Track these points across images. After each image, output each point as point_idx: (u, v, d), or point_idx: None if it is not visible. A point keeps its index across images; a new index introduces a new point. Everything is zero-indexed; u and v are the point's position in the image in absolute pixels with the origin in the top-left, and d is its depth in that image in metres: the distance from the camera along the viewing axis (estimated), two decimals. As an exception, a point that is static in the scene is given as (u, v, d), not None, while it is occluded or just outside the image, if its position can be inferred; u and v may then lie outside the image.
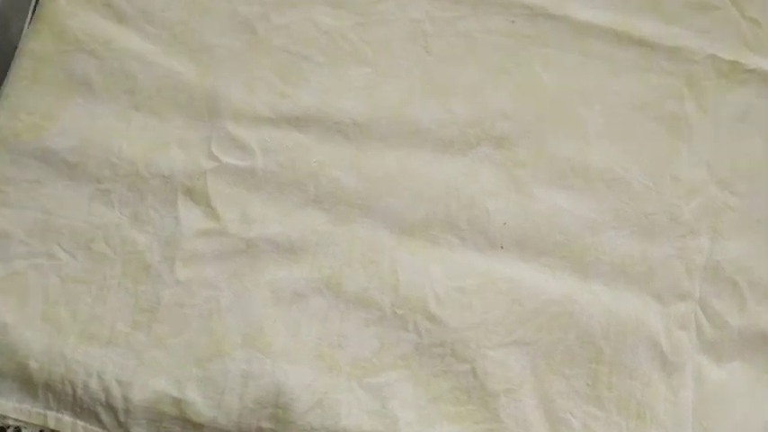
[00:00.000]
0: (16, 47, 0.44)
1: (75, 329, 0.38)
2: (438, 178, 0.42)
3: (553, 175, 0.43)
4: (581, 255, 0.41)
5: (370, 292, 0.40)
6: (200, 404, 0.37)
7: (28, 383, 0.37)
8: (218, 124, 0.43)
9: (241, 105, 0.43)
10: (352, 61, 0.45)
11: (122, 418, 0.36)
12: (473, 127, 0.44)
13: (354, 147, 0.43)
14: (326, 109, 0.43)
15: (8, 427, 0.37)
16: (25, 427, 0.37)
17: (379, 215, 0.41)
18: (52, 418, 0.37)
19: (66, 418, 0.37)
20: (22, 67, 0.43)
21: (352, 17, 0.46)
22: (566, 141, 0.44)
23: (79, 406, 0.37)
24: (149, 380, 0.37)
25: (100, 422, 0.37)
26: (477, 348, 0.39)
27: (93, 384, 0.37)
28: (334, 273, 0.40)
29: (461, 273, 0.40)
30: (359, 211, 0.41)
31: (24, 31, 0.45)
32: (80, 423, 0.37)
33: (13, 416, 0.37)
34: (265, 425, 0.37)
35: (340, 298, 0.39)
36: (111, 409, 0.36)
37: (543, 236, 0.41)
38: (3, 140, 0.41)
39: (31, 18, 0.46)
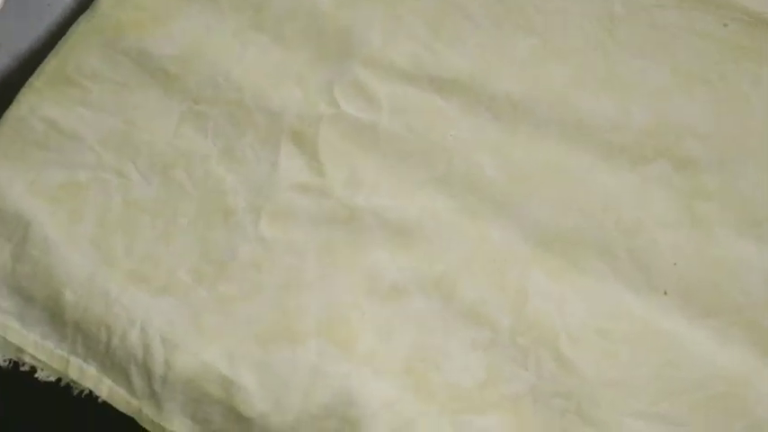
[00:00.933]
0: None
1: (127, 266, 0.31)
2: (597, 188, 0.34)
3: (744, 218, 0.34)
4: (761, 328, 0.32)
5: (488, 307, 0.31)
6: (254, 392, 0.29)
7: (58, 317, 0.30)
8: (347, 66, 0.35)
9: (378, 50, 0.36)
10: (520, 29, 0.37)
11: (157, 387, 0.29)
12: (653, 138, 0.35)
13: (503, 129, 0.35)
14: (479, 77, 0.36)
15: (23, 363, 0.30)
16: (42, 369, 0.30)
17: (517, 217, 0.33)
18: (75, 367, 0.30)
19: (92, 371, 0.30)
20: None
21: (531, -21, 0.38)
22: (766, 180, 0.34)
23: (110, 359, 0.30)
24: (200, 346, 0.29)
25: (129, 385, 0.30)
26: (610, 411, 0.30)
27: (133, 336, 0.30)
28: (448, 272, 0.32)
29: (607, 312, 0.31)
30: (493, 207, 0.33)
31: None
32: (106, 380, 0.30)
33: (31, 351, 0.30)
34: (326, 438, 0.29)
35: (449, 305, 0.31)
36: (146, 371, 0.29)
37: (719, 291, 0.32)
38: (100, 31, 0.35)
39: None
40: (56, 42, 0.38)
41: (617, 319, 0.31)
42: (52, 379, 0.30)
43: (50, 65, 0.35)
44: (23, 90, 0.34)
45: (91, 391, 0.30)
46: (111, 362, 0.30)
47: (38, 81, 0.35)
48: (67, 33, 0.36)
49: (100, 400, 0.30)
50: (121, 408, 0.30)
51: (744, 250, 0.33)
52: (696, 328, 0.32)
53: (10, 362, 0.30)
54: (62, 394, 0.30)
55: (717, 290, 0.32)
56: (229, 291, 0.31)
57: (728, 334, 0.32)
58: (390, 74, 0.36)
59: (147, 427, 0.29)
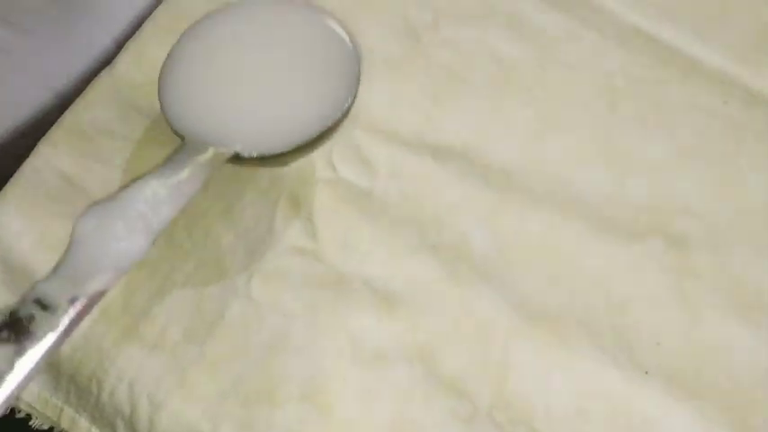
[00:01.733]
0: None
1: (123, 321, 0.32)
2: (587, 263, 0.34)
3: (734, 300, 0.34)
4: (746, 412, 0.32)
5: (469, 380, 0.32)
6: (234, 454, 0.30)
7: (54, 368, 0.32)
8: (347, 132, 0.37)
9: (380, 117, 0.37)
10: (520, 99, 0.38)
11: (141, 443, 0.31)
12: (646, 213, 0.35)
13: (496, 198, 0.36)
14: (474, 146, 0.37)
15: (19, 410, 0.32)
16: (36, 418, 0.32)
17: (504, 289, 0.34)
18: (67, 417, 0.32)
19: (83, 422, 0.32)
20: (161, 15, 0.40)
21: (533, 50, 0.39)
22: (758, 264, 0.34)
23: (99, 412, 0.31)
24: (184, 407, 0.31)
25: (116, 438, 0.31)
26: (583, 493, 0.30)
27: (122, 393, 0.31)
28: (431, 342, 0.33)
29: (588, 390, 0.32)
30: (481, 276, 0.34)
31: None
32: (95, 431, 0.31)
33: (28, 399, 0.32)
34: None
35: (431, 375, 0.32)
36: (131, 428, 0.31)
37: (703, 374, 0.32)
38: (117, 88, 0.37)
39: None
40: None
41: (597, 398, 0.32)
42: (45, 427, 0.32)
43: (67, 119, 0.37)
44: (41, 142, 0.36)
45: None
46: (101, 414, 0.31)
47: (55, 134, 0.37)
48: (86, 89, 0.38)
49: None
50: (108, 459, 0.31)
51: (732, 334, 0.33)
52: (677, 409, 0.32)
53: (7, 408, 0.31)
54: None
55: (700, 373, 0.32)
56: (217, 350, 0.32)
57: (710, 417, 0.32)
58: (390, 141, 0.37)
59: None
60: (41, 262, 0.33)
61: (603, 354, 0.33)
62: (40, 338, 0.25)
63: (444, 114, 0.38)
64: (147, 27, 0.39)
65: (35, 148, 0.36)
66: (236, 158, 0.31)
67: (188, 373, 0.31)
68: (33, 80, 0.40)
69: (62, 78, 0.40)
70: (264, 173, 0.36)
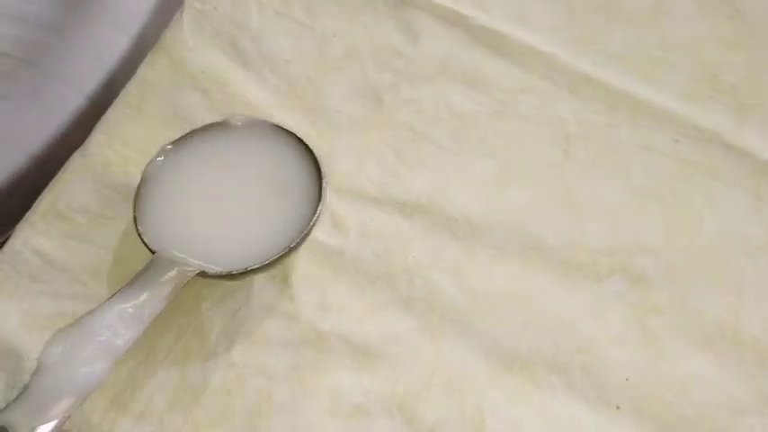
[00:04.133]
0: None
1: (110, 392, 0.35)
2: (553, 308, 0.37)
3: (695, 333, 0.37)
4: (714, 440, 0.35)
5: (448, 428, 0.35)
6: None
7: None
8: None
9: (347, 177, 0.41)
10: (479, 151, 0.42)
11: None
12: (607, 256, 0.39)
13: (461, 249, 0.39)
14: (439, 200, 0.40)
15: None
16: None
17: (476, 338, 0.37)
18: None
19: (75, 495, 0.34)
20: (130, 93, 0.43)
21: (490, 104, 0.43)
22: (716, 296, 0.38)
23: (91, 484, 0.34)
24: (172, 474, 0.33)
25: None
26: None
27: (111, 464, 0.33)
28: (409, 394, 0.35)
29: (562, 429, 0.35)
30: (453, 327, 0.37)
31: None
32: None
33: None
34: None
35: (411, 426, 0.35)
36: (122, 498, 0.33)
37: (670, 405, 0.35)
38: (90, 168, 0.40)
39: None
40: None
41: (571, 437, 0.35)
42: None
43: (44, 200, 0.40)
44: (20, 225, 0.39)
45: None
46: (92, 487, 0.34)
47: (33, 216, 0.39)
48: (61, 170, 0.41)
49: None
50: None
51: (695, 366, 0.36)
52: (648, 443, 0.35)
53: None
54: None
55: (668, 404, 0.35)
56: (203, 417, 0.35)
57: (680, 449, 0.35)
58: (357, 200, 0.40)
59: None
60: (28, 341, 0.35)
61: (575, 392, 0.36)
62: None
63: (409, 171, 0.41)
64: (117, 106, 0.42)
65: (14, 231, 0.39)
66: (203, 275, 0.34)
67: (175, 440, 0.34)
68: (7, 143, 0.43)
69: (37, 141, 0.43)
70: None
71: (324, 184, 0.36)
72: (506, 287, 0.38)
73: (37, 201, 0.40)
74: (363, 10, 0.46)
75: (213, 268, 0.34)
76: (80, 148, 0.41)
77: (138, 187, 0.36)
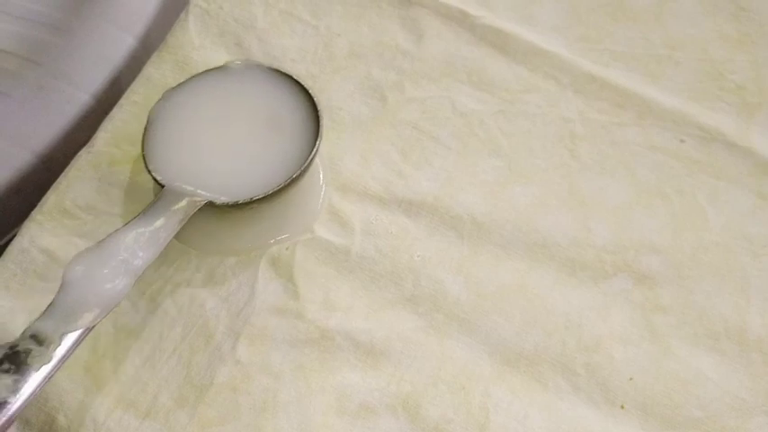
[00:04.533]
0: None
1: (115, 390, 0.35)
2: (559, 306, 0.38)
3: (700, 332, 0.37)
4: (720, 439, 0.35)
5: (453, 425, 0.35)
6: None
7: (50, 440, 0.35)
8: (324, 193, 0.40)
9: (352, 177, 0.41)
10: (485, 151, 0.42)
11: None
12: (612, 254, 0.39)
13: (467, 248, 0.39)
14: (444, 198, 0.40)
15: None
16: (34, 491, 0.34)
17: (482, 336, 0.37)
18: (65, 488, 0.34)
19: (81, 492, 0.34)
20: (135, 92, 0.43)
21: (495, 103, 0.43)
22: (721, 294, 0.38)
23: (96, 482, 0.34)
24: (179, 471, 0.33)
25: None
26: None
27: (117, 461, 0.34)
28: (414, 391, 0.36)
29: (567, 428, 0.35)
30: (458, 325, 0.37)
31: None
32: (93, 501, 0.34)
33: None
34: None
35: (416, 423, 0.35)
36: (128, 495, 0.33)
37: (675, 405, 0.35)
38: (96, 166, 0.41)
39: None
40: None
41: (575, 435, 0.35)
42: (43, 501, 0.35)
43: (51, 198, 0.40)
44: (26, 223, 0.40)
45: None
46: (98, 485, 0.34)
47: (39, 214, 0.40)
48: (67, 168, 0.41)
49: None
50: None
51: (701, 364, 0.36)
52: (654, 442, 0.35)
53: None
54: None
55: (673, 403, 0.36)
56: (208, 414, 0.35)
57: (686, 447, 0.35)
58: (363, 199, 0.40)
59: None
60: (33, 339, 0.36)
61: (579, 391, 0.36)
62: (36, 369, 0.30)
63: (414, 170, 0.41)
64: (122, 104, 0.43)
65: (21, 228, 0.39)
66: (211, 205, 0.36)
67: (181, 438, 0.34)
68: (14, 142, 0.44)
69: (42, 139, 0.44)
70: (247, 240, 0.39)
71: (320, 119, 0.38)
72: (512, 286, 0.38)
73: (43, 199, 0.40)
74: (368, 9, 0.46)
75: (221, 198, 0.36)
76: (86, 147, 0.41)
77: (145, 129, 0.38)
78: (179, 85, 0.40)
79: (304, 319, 0.37)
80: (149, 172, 0.37)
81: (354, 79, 0.44)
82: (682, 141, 0.42)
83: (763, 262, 0.38)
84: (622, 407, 0.35)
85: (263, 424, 0.35)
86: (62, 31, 0.46)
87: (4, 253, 0.39)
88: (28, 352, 0.30)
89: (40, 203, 0.40)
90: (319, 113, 0.39)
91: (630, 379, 0.36)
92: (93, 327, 0.32)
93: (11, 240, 0.39)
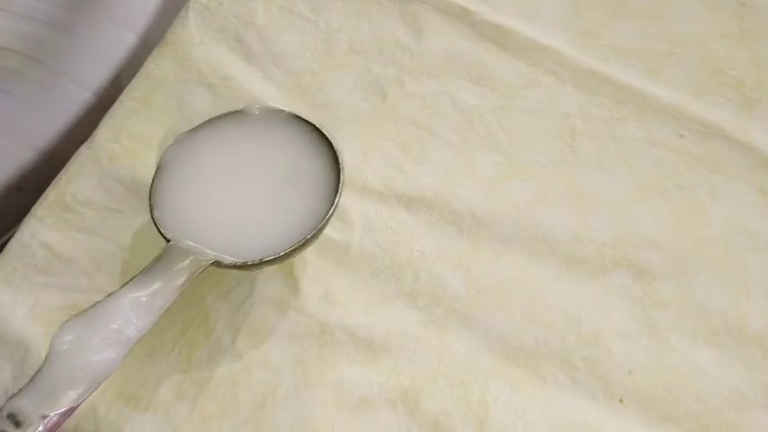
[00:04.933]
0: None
1: (117, 384, 0.35)
2: (559, 301, 0.38)
3: (700, 326, 0.37)
4: (720, 433, 0.35)
5: (452, 419, 0.35)
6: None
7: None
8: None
9: (352, 172, 0.41)
10: (484, 146, 0.42)
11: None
12: (612, 249, 0.39)
13: (467, 243, 0.39)
14: (444, 194, 0.40)
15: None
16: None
17: (481, 330, 0.37)
18: (66, 481, 0.35)
19: (81, 485, 0.34)
20: (135, 88, 0.44)
21: (495, 98, 0.43)
22: (721, 289, 0.38)
23: (97, 474, 0.34)
24: (178, 465, 0.34)
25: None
26: None
27: (118, 454, 0.34)
28: (414, 385, 0.36)
29: (566, 422, 0.35)
30: (458, 319, 0.37)
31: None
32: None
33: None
34: None
35: (415, 417, 0.35)
36: (128, 487, 0.34)
37: (675, 399, 0.36)
38: (96, 161, 0.41)
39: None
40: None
41: (575, 428, 0.35)
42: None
43: (51, 194, 0.40)
44: (27, 218, 0.40)
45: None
46: (99, 477, 0.34)
47: (40, 209, 0.40)
48: (68, 164, 0.41)
49: None
50: None
51: (700, 358, 0.37)
52: (653, 435, 0.35)
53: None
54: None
55: (672, 397, 0.36)
56: (208, 408, 0.35)
57: (685, 441, 0.35)
58: (363, 194, 0.40)
59: None
60: (35, 333, 0.36)
61: (578, 385, 0.36)
62: None
63: (414, 165, 0.41)
64: (123, 100, 0.43)
65: (21, 224, 0.40)
66: (217, 264, 0.34)
67: (181, 431, 0.34)
68: (15, 139, 0.44)
69: (44, 137, 0.44)
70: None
71: (341, 177, 0.36)
72: (511, 280, 0.38)
73: (44, 194, 0.40)
74: (368, 5, 0.46)
75: (228, 258, 0.34)
76: (86, 142, 0.42)
77: (155, 174, 0.36)
78: (194, 129, 0.38)
79: (304, 314, 0.37)
80: (154, 222, 0.35)
81: (354, 75, 0.44)
82: (681, 136, 0.42)
83: (763, 257, 0.39)
84: (621, 401, 0.36)
85: (262, 418, 0.35)
86: (64, 28, 0.47)
87: (6, 248, 0.39)
88: None
89: (40, 199, 0.40)
90: (340, 166, 0.36)
91: (630, 373, 0.36)
92: (78, 405, 0.29)
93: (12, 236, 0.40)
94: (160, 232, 0.35)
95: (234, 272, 0.38)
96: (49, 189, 0.41)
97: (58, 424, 0.28)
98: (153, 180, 0.36)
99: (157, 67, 0.44)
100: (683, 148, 0.42)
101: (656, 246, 0.39)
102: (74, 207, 0.40)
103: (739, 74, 0.44)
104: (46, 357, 0.29)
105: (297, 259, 0.39)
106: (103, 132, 0.42)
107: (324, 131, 0.37)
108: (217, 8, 0.46)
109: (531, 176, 0.41)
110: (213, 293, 0.38)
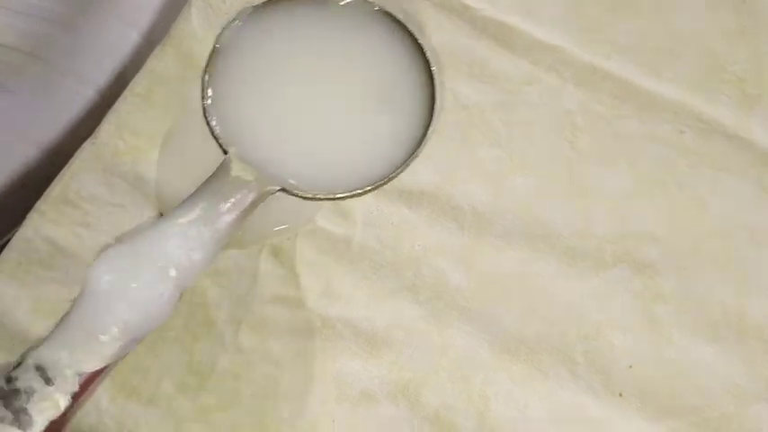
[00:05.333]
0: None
1: (118, 378, 0.36)
2: (560, 295, 0.38)
3: (700, 320, 0.37)
4: (718, 427, 0.35)
5: (453, 413, 0.35)
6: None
7: (53, 426, 0.35)
8: (324, 183, 0.41)
9: (353, 168, 0.41)
10: (485, 141, 0.42)
11: (140, 494, 0.34)
12: (613, 243, 0.39)
13: (468, 238, 0.40)
14: (445, 188, 0.41)
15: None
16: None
17: (483, 324, 0.37)
18: (68, 473, 0.35)
19: (83, 477, 0.35)
20: (139, 84, 0.44)
21: (496, 94, 0.43)
22: (721, 284, 0.38)
23: (100, 467, 0.35)
24: (181, 457, 0.34)
25: (116, 492, 0.34)
26: None
27: (120, 446, 0.34)
28: (415, 379, 0.36)
29: (566, 416, 0.35)
30: (459, 313, 0.38)
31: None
32: (96, 485, 0.35)
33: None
34: None
35: (416, 411, 0.35)
36: (131, 479, 0.34)
37: (675, 393, 0.36)
38: (99, 157, 0.41)
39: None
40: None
41: (575, 423, 0.35)
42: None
43: (55, 189, 0.41)
44: (30, 213, 0.40)
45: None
46: (101, 469, 0.35)
47: (43, 204, 0.40)
48: (71, 159, 0.42)
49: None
50: None
51: (700, 352, 0.37)
52: (652, 430, 0.35)
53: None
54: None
55: (672, 391, 0.36)
56: (210, 401, 0.35)
57: (685, 435, 0.35)
58: (364, 189, 0.41)
59: None
60: (38, 327, 0.36)
61: (579, 379, 0.36)
62: (40, 424, 0.21)
63: (415, 160, 0.42)
64: (125, 96, 0.43)
65: (26, 218, 0.40)
66: (283, 191, 0.29)
67: (183, 424, 0.35)
68: (19, 137, 0.44)
69: (47, 134, 0.44)
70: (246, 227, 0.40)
71: (435, 90, 0.30)
72: (512, 275, 0.39)
73: (47, 190, 0.41)
74: (370, 2, 0.47)
75: (298, 188, 0.28)
76: (90, 138, 0.42)
77: (209, 62, 0.30)
78: (264, 5, 0.31)
79: (305, 308, 0.38)
80: (210, 127, 0.28)
81: (356, 71, 0.44)
82: (682, 133, 0.42)
83: (763, 251, 0.39)
84: (621, 395, 0.36)
85: (264, 411, 0.35)
86: (67, 26, 0.47)
87: (9, 243, 0.40)
88: (30, 393, 0.21)
89: (44, 194, 0.41)
90: (435, 82, 0.30)
91: (630, 367, 0.36)
92: (122, 358, 0.24)
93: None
94: (218, 141, 0.28)
95: (234, 265, 0.38)
96: (52, 185, 0.41)
97: (89, 385, 0.23)
98: (207, 69, 0.30)
99: (160, 63, 0.44)
100: (684, 144, 0.42)
101: (656, 240, 0.39)
102: (77, 202, 0.40)
103: (740, 70, 0.44)
104: (78, 299, 0.24)
105: (298, 255, 0.39)
106: (107, 128, 0.42)
107: (419, 41, 0.31)
108: (219, 4, 0.46)
109: (531, 172, 0.41)
110: (215, 288, 0.38)
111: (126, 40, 0.48)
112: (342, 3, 0.31)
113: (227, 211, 0.26)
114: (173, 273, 0.25)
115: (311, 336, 0.37)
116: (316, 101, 0.29)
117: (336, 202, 0.40)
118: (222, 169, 0.27)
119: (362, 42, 0.31)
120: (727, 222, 0.40)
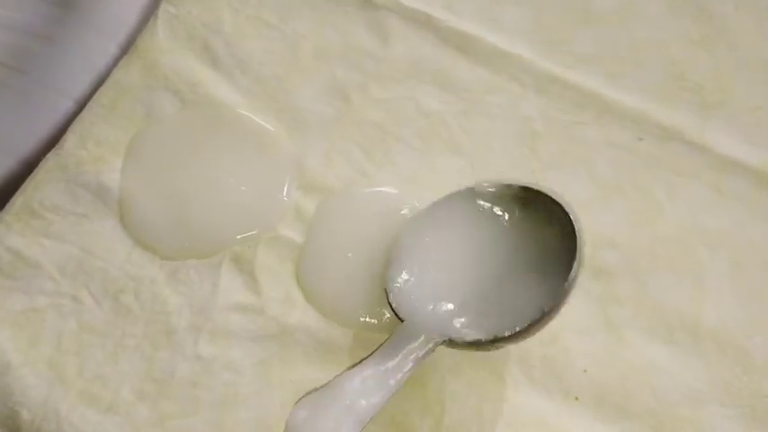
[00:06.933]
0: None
1: (78, 386, 0.36)
2: (516, 300, 0.39)
3: (655, 324, 0.38)
4: (673, 429, 0.36)
5: (410, 418, 0.36)
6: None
7: (13, 434, 0.36)
8: (286, 191, 0.41)
9: (316, 174, 0.42)
10: (447, 150, 0.43)
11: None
12: (570, 249, 0.40)
13: (429, 245, 0.40)
14: (406, 197, 0.41)
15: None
16: (-3, 484, 0.35)
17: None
18: (27, 481, 0.35)
19: (42, 485, 0.35)
20: (103, 95, 0.45)
21: (458, 103, 0.44)
22: (677, 288, 0.39)
23: (57, 474, 0.35)
24: (138, 465, 0.35)
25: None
26: None
27: (78, 454, 0.35)
28: (372, 385, 0.37)
29: (521, 420, 0.36)
30: (417, 319, 0.38)
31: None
32: (54, 494, 0.35)
33: (-11, 469, 0.36)
34: None
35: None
36: (88, 486, 0.34)
37: (630, 395, 0.37)
38: (63, 167, 0.42)
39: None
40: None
41: (530, 427, 0.36)
42: (6, 494, 0.36)
43: (19, 199, 0.41)
44: (-6, 224, 0.41)
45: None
46: (59, 477, 0.35)
47: (7, 215, 0.41)
48: (35, 170, 0.42)
49: None
50: None
51: (656, 356, 0.38)
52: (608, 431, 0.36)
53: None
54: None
55: (628, 394, 0.37)
56: (169, 408, 0.36)
57: (640, 437, 0.36)
58: (325, 196, 0.42)
59: None
60: (1, 336, 0.37)
61: (535, 383, 0.37)
62: None
63: (377, 169, 0.43)
64: (91, 107, 0.44)
65: None
66: (449, 343, 0.34)
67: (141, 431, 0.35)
68: None
69: (27, 146, 0.45)
70: (208, 240, 0.40)
71: (579, 244, 0.34)
72: (471, 281, 0.39)
73: (11, 200, 0.41)
74: (334, 13, 0.47)
75: (463, 335, 0.34)
76: (54, 148, 0.43)
77: (392, 252, 0.37)
78: (427, 209, 0.39)
79: (265, 316, 0.38)
80: (390, 306, 0.35)
81: (319, 81, 0.45)
82: (640, 139, 0.43)
83: (718, 255, 0.40)
84: (577, 398, 0.37)
85: (222, 418, 0.36)
86: (47, 39, 0.48)
87: None
88: None
89: (8, 204, 0.41)
90: (578, 238, 0.34)
91: (585, 371, 0.37)
92: None
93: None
94: (395, 313, 0.35)
95: (196, 273, 0.39)
96: (16, 195, 0.42)
97: None
98: (389, 263, 0.37)
99: (125, 74, 0.45)
100: (642, 150, 0.43)
101: (614, 245, 0.40)
102: (41, 213, 0.41)
103: (699, 78, 0.45)
104: None
105: (259, 262, 0.40)
106: (71, 138, 0.43)
107: (563, 205, 0.36)
108: (185, 16, 0.47)
109: (492, 178, 0.42)
110: (176, 296, 0.39)
111: (105, 53, 0.49)
112: (490, 190, 0.38)
113: (402, 362, 0.33)
114: (353, 412, 0.31)
115: (271, 343, 0.38)
116: (468, 271, 0.36)
117: (297, 211, 0.41)
118: (399, 333, 0.34)
119: (509, 219, 0.37)
120: (683, 226, 0.40)
